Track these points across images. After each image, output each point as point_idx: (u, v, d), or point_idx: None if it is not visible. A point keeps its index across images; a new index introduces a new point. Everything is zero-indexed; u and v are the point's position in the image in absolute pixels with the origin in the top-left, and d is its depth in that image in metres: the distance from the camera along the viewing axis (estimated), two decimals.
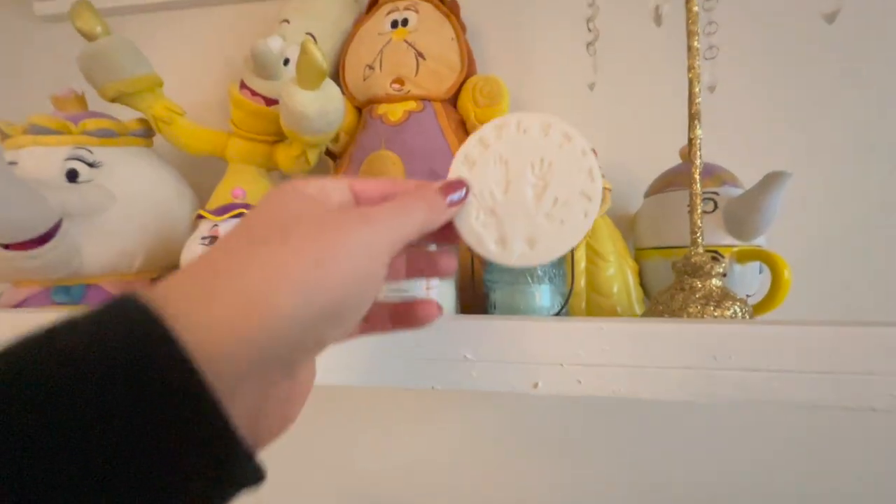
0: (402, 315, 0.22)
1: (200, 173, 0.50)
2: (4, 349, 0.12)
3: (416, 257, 0.23)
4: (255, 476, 0.14)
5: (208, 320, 0.13)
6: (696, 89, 0.30)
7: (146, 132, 0.46)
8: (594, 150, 0.41)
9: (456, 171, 0.23)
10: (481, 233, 0.22)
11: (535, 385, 0.25)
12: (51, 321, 0.13)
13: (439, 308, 0.22)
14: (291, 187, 0.18)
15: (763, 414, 0.46)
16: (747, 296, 0.36)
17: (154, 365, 0.12)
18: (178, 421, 0.12)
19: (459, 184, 0.22)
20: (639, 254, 0.40)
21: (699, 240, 0.30)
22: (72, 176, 0.39)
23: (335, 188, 0.20)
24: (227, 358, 0.13)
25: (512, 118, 0.23)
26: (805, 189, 0.44)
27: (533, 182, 0.22)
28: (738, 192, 0.36)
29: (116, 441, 0.11)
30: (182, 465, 0.12)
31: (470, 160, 0.23)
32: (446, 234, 0.22)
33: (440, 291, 0.31)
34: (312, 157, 0.45)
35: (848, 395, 0.22)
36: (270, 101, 0.44)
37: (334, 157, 0.48)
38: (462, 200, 0.22)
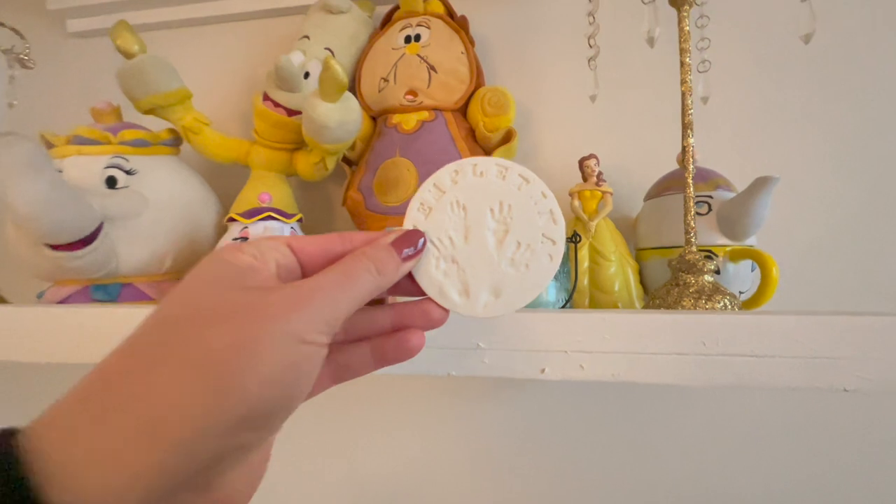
0: (390, 350, 0.21)
1: (222, 180, 0.53)
2: None
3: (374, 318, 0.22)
4: None
5: (89, 456, 0.12)
6: (689, 101, 0.32)
7: (174, 141, 0.49)
8: (596, 157, 0.43)
9: (411, 218, 0.22)
10: (443, 282, 0.21)
11: (542, 370, 0.28)
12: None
13: (424, 337, 0.21)
14: (220, 262, 0.17)
15: (758, 399, 0.48)
16: (740, 292, 0.38)
17: None
18: None
19: (414, 236, 0.20)
20: (639, 254, 0.43)
21: (692, 239, 0.32)
22: (111, 183, 0.42)
23: (272, 250, 0.18)
24: (114, 496, 0.12)
25: (466, 162, 0.22)
26: (794, 193, 0.46)
27: (493, 227, 0.21)
28: (731, 195, 0.38)
29: None
30: None
31: (426, 206, 0.22)
32: (405, 286, 0.21)
33: None
34: (330, 163, 0.48)
35: (823, 377, 0.25)
36: (291, 112, 0.47)
37: (350, 164, 0.51)
38: (418, 253, 0.20)
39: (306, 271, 0.20)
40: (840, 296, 0.45)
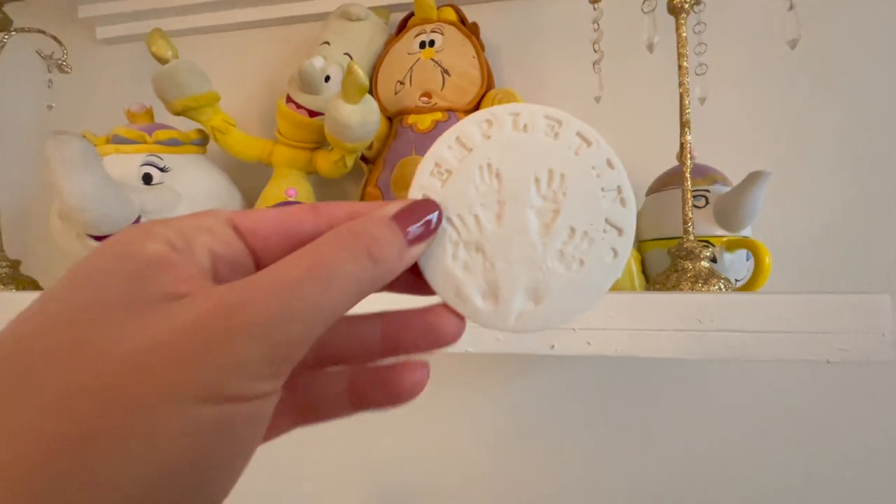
0: (374, 388, 0.15)
1: (242, 178, 0.56)
2: None
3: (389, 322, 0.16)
4: None
5: None
6: (686, 102, 0.35)
7: (202, 141, 0.52)
8: None
9: (420, 185, 0.16)
10: (460, 279, 0.15)
11: (552, 346, 0.31)
12: None
13: (427, 369, 0.15)
14: (113, 254, 0.12)
15: (759, 374, 0.51)
16: (736, 280, 0.41)
17: None
18: None
19: (426, 207, 0.15)
20: (641, 245, 0.46)
21: (690, 229, 0.35)
22: (147, 179, 0.45)
23: (203, 232, 0.13)
24: None
25: (503, 110, 0.16)
26: (788, 188, 0.49)
27: (539, 205, 0.15)
28: (727, 189, 0.41)
29: None
30: None
31: (443, 168, 0.16)
32: (404, 283, 0.15)
33: None
34: (350, 161, 0.50)
35: (808, 350, 0.27)
36: (313, 113, 0.50)
37: (367, 162, 0.54)
38: (432, 233, 0.15)
39: (262, 262, 0.14)
40: (831, 284, 0.48)
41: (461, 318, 0.16)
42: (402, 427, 0.58)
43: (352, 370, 0.16)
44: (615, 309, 0.30)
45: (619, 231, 0.16)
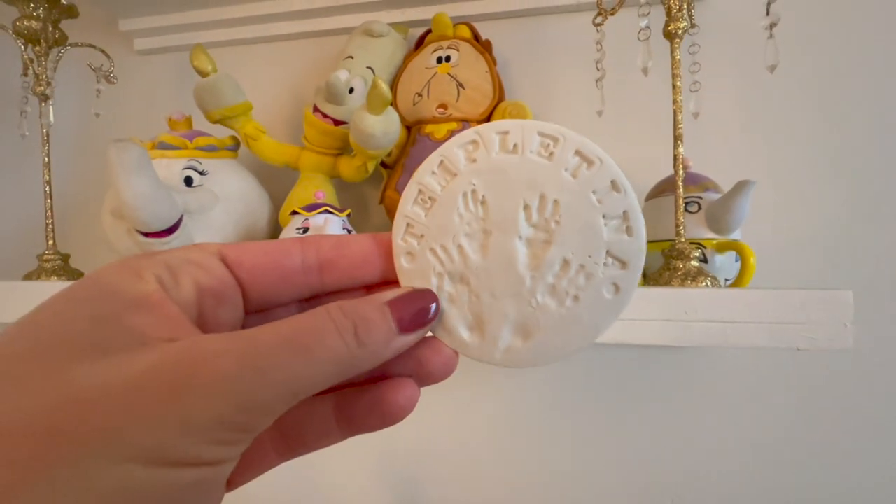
0: (363, 411, 0.14)
1: (273, 180, 0.61)
2: None
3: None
4: None
5: None
6: (679, 117, 0.39)
7: (235, 146, 0.57)
8: None
9: (404, 214, 0.15)
10: (445, 311, 0.15)
11: None
12: None
13: (416, 389, 0.15)
14: (96, 286, 0.11)
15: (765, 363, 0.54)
16: (726, 279, 0.44)
17: None
18: None
19: (424, 297, 0.14)
20: None
21: (682, 231, 0.39)
22: (188, 181, 0.50)
23: (191, 266, 0.13)
24: None
25: (490, 129, 0.15)
26: (775, 195, 0.52)
27: (528, 234, 0.14)
28: (718, 196, 0.45)
29: None
30: None
31: (426, 196, 0.15)
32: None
33: None
34: (371, 167, 0.55)
35: (780, 339, 0.31)
36: (338, 122, 0.55)
37: (387, 167, 0.58)
38: (426, 324, 0.14)
39: (250, 294, 0.14)
40: (813, 283, 0.51)
41: (452, 351, 0.15)
42: (416, 410, 0.62)
43: (336, 394, 0.15)
44: None
45: (623, 264, 0.14)
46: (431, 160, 0.15)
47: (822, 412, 0.53)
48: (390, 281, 0.15)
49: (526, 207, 0.14)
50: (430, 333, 0.15)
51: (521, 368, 0.15)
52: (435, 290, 0.14)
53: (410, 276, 0.15)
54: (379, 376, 0.15)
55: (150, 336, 0.11)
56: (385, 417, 0.14)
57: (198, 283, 0.13)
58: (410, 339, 0.14)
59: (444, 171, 0.15)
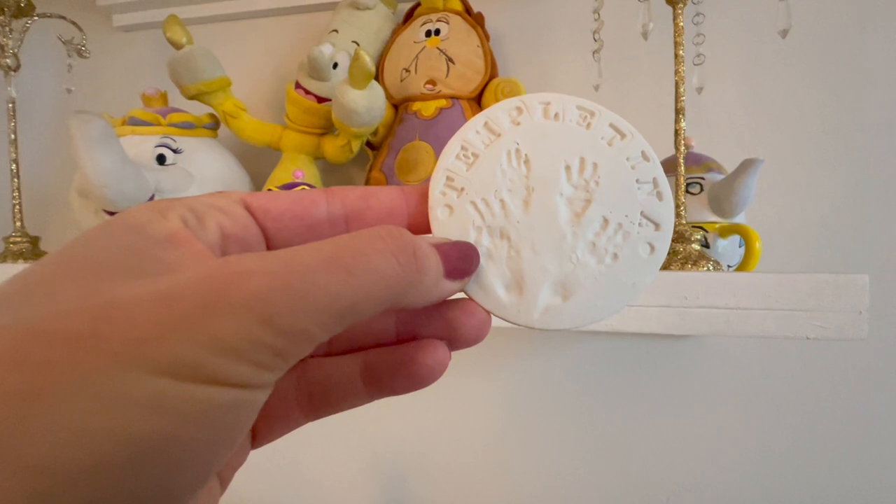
0: (390, 372, 0.14)
1: (250, 162, 0.58)
2: None
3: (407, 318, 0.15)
4: None
5: None
6: (682, 90, 0.36)
7: (214, 125, 0.54)
8: None
9: (444, 167, 0.15)
10: (483, 267, 0.14)
11: None
12: None
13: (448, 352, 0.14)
14: (124, 226, 0.11)
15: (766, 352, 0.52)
16: (728, 266, 0.42)
17: None
18: None
19: (470, 248, 0.14)
20: None
21: (682, 213, 0.36)
22: (161, 160, 0.47)
23: (215, 211, 0.12)
24: None
25: (535, 98, 0.15)
26: (783, 177, 0.50)
27: (569, 193, 0.15)
28: (722, 177, 0.42)
29: None
30: None
31: (469, 152, 0.15)
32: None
33: None
34: (355, 146, 0.52)
35: (787, 327, 0.28)
36: (321, 99, 0.52)
37: (373, 148, 0.55)
38: (468, 275, 0.14)
39: (274, 244, 0.14)
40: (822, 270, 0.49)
41: (486, 313, 0.14)
42: (401, 407, 0.60)
43: (364, 354, 0.15)
44: None
45: (657, 226, 0.15)
46: (475, 120, 0.16)
47: (830, 408, 0.50)
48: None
49: (567, 168, 0.15)
50: (462, 295, 0.14)
51: (558, 330, 0.15)
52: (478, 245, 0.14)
53: (447, 228, 0.15)
54: (409, 338, 0.14)
55: (180, 266, 0.10)
56: (413, 379, 0.14)
57: (222, 228, 0.12)
58: (454, 287, 0.13)
59: (488, 131, 0.15)
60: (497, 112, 0.15)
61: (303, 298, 0.10)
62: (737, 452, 0.52)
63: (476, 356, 0.58)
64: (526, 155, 0.15)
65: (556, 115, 0.15)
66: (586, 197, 0.15)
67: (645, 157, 0.15)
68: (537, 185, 0.15)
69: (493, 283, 0.14)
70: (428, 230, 0.15)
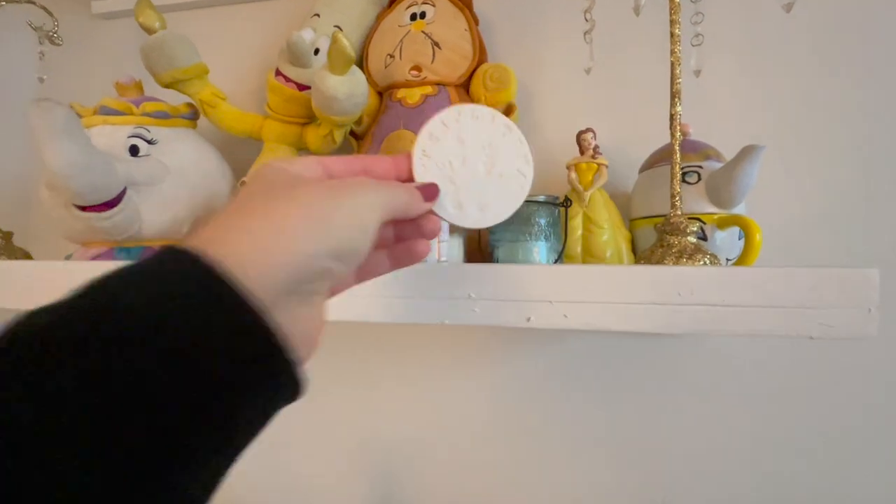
0: (401, 254, 0.25)
1: (235, 153, 0.56)
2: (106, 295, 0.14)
3: (401, 226, 0.25)
4: (298, 386, 0.17)
5: (250, 254, 0.16)
6: (678, 71, 0.34)
7: (192, 115, 0.52)
8: (592, 130, 0.45)
9: (421, 144, 0.26)
10: (442, 197, 0.25)
11: (528, 319, 0.30)
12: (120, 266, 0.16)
13: (429, 245, 0.26)
14: (277, 165, 0.20)
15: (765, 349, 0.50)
16: (727, 259, 0.39)
17: (218, 306, 0.15)
18: (239, 346, 0.15)
19: (434, 186, 0.24)
20: (632, 224, 0.45)
21: (678, 203, 0.34)
22: (133, 151, 0.45)
23: (311, 164, 0.21)
24: (264, 279, 0.16)
25: (466, 108, 0.26)
26: (786, 166, 0.47)
27: (484, 159, 0.26)
28: (721, 166, 0.40)
29: (197, 369, 0.14)
30: (249, 381, 0.15)
31: (433, 136, 0.26)
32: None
33: (450, 245, 0.36)
34: (338, 136, 0.50)
35: (790, 325, 0.26)
36: (302, 87, 0.50)
37: (357, 138, 0.53)
38: (434, 199, 0.24)
39: None
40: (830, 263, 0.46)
41: (438, 220, 0.25)
42: (389, 404, 0.58)
43: (389, 247, 0.25)
44: (593, 282, 0.29)
45: (524, 176, 0.27)
46: (435, 120, 0.26)
47: (832, 409, 0.48)
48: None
49: (483, 146, 0.26)
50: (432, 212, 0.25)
51: (482, 227, 0.27)
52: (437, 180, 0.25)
53: (423, 177, 0.25)
54: (402, 240, 0.25)
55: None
56: (413, 255, 0.25)
57: (315, 175, 0.22)
58: (428, 206, 0.24)
59: (443, 125, 0.26)
60: (447, 115, 0.26)
61: (385, 198, 0.21)
62: (734, 453, 0.50)
63: (465, 353, 0.56)
64: (463, 139, 0.26)
65: (477, 117, 0.27)
66: (492, 162, 0.26)
67: (520, 141, 0.27)
68: (469, 155, 0.26)
69: (446, 205, 0.26)
70: (411, 179, 0.25)
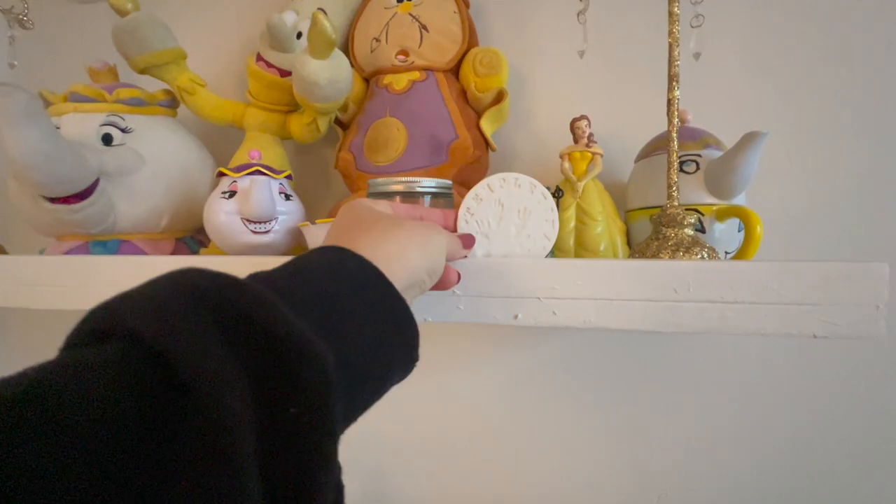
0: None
1: (220, 142, 0.54)
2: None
3: None
4: (415, 359, 0.23)
5: (387, 264, 0.22)
6: (676, 53, 0.32)
7: (171, 102, 0.50)
8: (587, 118, 0.43)
9: (467, 204, 0.31)
10: (476, 247, 0.31)
11: (516, 316, 0.28)
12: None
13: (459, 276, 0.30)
14: (367, 203, 0.26)
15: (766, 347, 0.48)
16: (727, 252, 0.38)
17: (386, 285, 0.21)
18: (396, 322, 0.21)
19: (472, 237, 0.30)
20: (628, 215, 0.43)
21: (675, 194, 0.32)
22: (107, 140, 0.43)
23: (386, 208, 0.27)
24: (395, 279, 0.22)
25: (512, 177, 0.31)
26: (788, 154, 0.45)
27: (517, 221, 0.31)
28: (720, 154, 0.38)
29: (370, 329, 0.20)
30: (398, 330, 0.21)
31: (479, 198, 0.31)
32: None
33: None
34: (323, 125, 0.48)
35: (792, 324, 0.25)
36: (285, 73, 0.47)
37: (343, 126, 0.51)
38: (471, 248, 0.30)
39: None
40: (835, 257, 0.45)
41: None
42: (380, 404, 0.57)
43: None
44: (584, 277, 0.27)
45: (548, 239, 0.31)
46: (483, 184, 0.31)
47: (832, 406, 0.47)
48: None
49: (518, 211, 0.31)
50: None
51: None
52: (476, 237, 0.31)
53: (465, 230, 0.31)
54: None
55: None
56: (446, 283, 0.28)
57: None
58: (466, 252, 0.29)
59: (488, 189, 0.31)
60: (493, 180, 0.31)
61: (448, 243, 0.26)
62: (730, 450, 0.49)
63: (457, 351, 0.55)
64: (502, 202, 0.31)
65: (519, 185, 0.31)
66: (523, 224, 0.31)
67: (552, 210, 0.31)
68: (504, 217, 0.31)
69: (477, 253, 0.31)
70: (455, 230, 0.31)
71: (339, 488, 0.16)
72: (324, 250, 0.21)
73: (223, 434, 0.12)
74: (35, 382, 0.12)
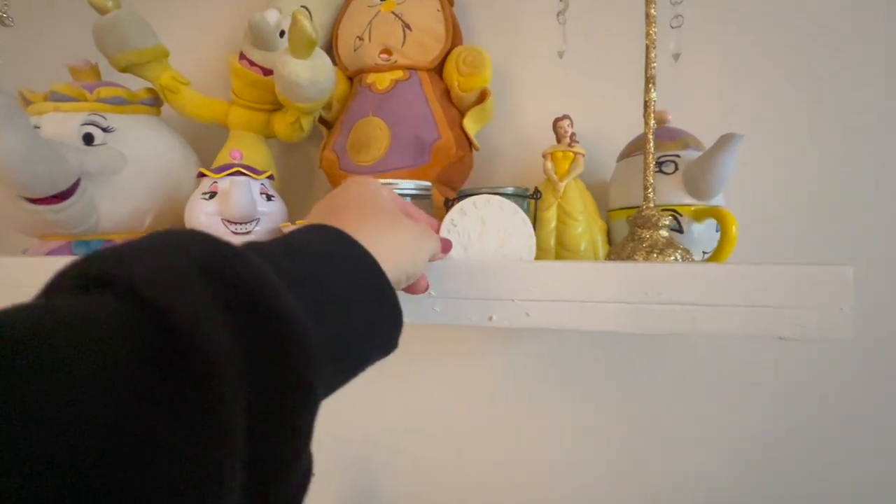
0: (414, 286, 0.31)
1: (205, 140, 0.54)
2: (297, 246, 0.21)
3: None
4: (395, 346, 0.24)
5: (380, 256, 0.23)
6: (653, 54, 0.32)
7: (154, 101, 0.50)
8: (569, 118, 0.43)
9: (450, 218, 0.33)
10: (452, 255, 0.32)
11: (490, 318, 0.29)
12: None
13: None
14: (375, 186, 0.27)
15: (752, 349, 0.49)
16: (704, 252, 0.38)
17: (376, 269, 0.22)
18: (383, 300, 0.22)
19: (450, 242, 0.31)
20: (609, 215, 0.43)
21: (650, 195, 0.32)
22: (88, 139, 0.43)
23: (389, 197, 0.28)
24: (390, 268, 0.23)
25: (496, 199, 0.33)
26: (767, 155, 0.46)
27: (496, 239, 0.33)
28: (699, 154, 0.38)
29: (361, 307, 0.21)
30: (387, 320, 0.23)
31: (464, 212, 0.33)
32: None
33: None
34: (306, 124, 0.48)
35: (760, 326, 0.25)
36: (268, 72, 0.47)
37: (327, 125, 0.51)
38: (448, 251, 0.31)
39: None
40: (809, 258, 0.45)
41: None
42: (367, 399, 0.57)
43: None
44: (556, 279, 0.28)
45: (530, 248, 0.33)
46: (468, 201, 0.34)
47: (815, 408, 0.47)
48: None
49: (499, 230, 0.33)
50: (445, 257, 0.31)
51: None
52: (454, 245, 0.32)
53: (447, 237, 0.32)
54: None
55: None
56: (418, 288, 0.29)
57: None
58: (443, 256, 0.30)
59: (473, 206, 0.33)
60: (479, 199, 0.33)
61: (434, 243, 0.27)
62: (718, 449, 0.50)
63: (443, 347, 0.55)
64: (484, 220, 0.33)
65: (501, 206, 0.33)
66: (502, 243, 0.33)
67: (530, 235, 0.33)
68: (485, 233, 0.33)
69: (454, 257, 0.32)
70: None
71: (309, 459, 0.17)
72: (325, 230, 0.22)
73: (219, 405, 0.13)
74: (37, 324, 0.12)
